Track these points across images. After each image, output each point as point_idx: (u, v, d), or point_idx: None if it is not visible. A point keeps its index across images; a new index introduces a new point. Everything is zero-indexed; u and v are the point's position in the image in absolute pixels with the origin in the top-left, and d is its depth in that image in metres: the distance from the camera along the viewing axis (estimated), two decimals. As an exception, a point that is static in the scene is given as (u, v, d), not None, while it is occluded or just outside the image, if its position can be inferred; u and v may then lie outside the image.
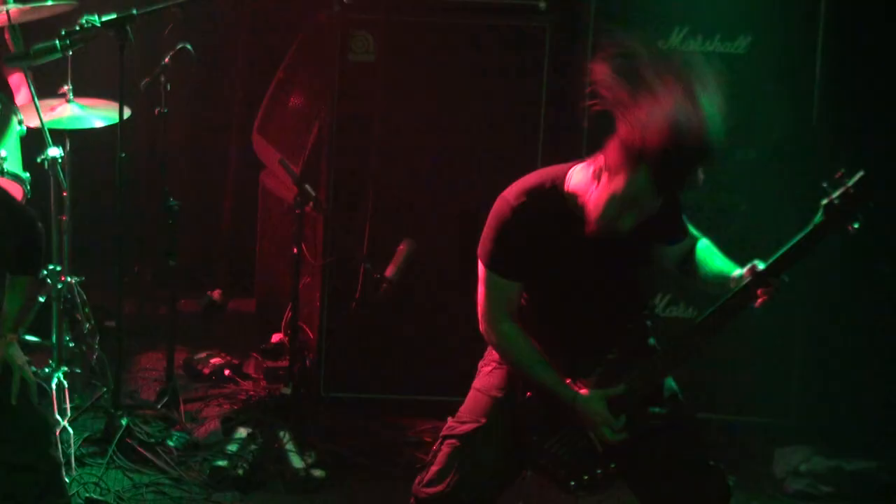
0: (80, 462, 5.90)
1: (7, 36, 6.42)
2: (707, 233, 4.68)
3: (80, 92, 6.31)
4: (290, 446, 6.10)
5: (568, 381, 4.46)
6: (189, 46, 6.15)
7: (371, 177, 6.35)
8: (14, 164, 6.07)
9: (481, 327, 4.57)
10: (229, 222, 7.75)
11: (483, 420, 4.55)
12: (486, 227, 4.47)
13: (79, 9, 6.16)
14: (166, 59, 6.15)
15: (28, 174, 6.14)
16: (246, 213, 7.62)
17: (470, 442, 4.53)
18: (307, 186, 6.09)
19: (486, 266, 4.47)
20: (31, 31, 6.43)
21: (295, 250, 6.22)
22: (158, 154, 6.49)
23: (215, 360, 6.93)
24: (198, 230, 7.27)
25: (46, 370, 6.09)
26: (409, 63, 6.38)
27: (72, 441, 5.84)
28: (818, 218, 4.29)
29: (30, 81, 6.10)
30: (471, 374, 4.76)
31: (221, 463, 5.97)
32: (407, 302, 6.36)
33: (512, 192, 4.43)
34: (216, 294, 7.60)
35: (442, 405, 4.98)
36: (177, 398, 6.47)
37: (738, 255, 4.64)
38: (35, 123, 6.11)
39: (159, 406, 6.42)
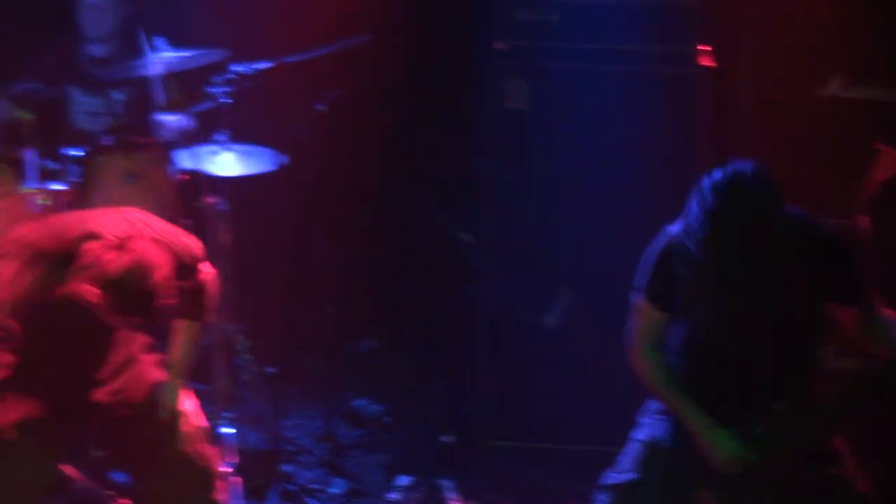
0: (243, 508, 5.92)
1: (161, 81, 6.49)
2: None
3: (235, 138, 6.34)
4: (452, 496, 6.03)
5: None
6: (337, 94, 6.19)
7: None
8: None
9: (629, 355, 4.58)
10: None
11: (640, 471, 4.48)
12: (644, 255, 4.49)
13: (232, 56, 6.20)
14: (319, 106, 6.15)
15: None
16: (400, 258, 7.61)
17: (626, 493, 4.49)
18: (462, 233, 6.06)
19: (638, 293, 4.51)
20: (187, 78, 6.49)
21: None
22: (322, 198, 6.51)
23: (375, 406, 6.89)
24: (350, 276, 7.25)
25: (211, 417, 6.11)
26: (562, 110, 6.31)
27: (235, 487, 5.84)
28: None
29: (186, 128, 6.16)
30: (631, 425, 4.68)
31: (383, 511, 5.94)
32: (566, 349, 6.26)
33: (673, 224, 4.42)
34: (374, 339, 7.56)
35: (603, 455, 4.87)
36: (338, 445, 6.44)
37: None
38: (193, 169, 6.17)
39: (320, 452, 6.39)
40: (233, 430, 6.08)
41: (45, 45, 6.87)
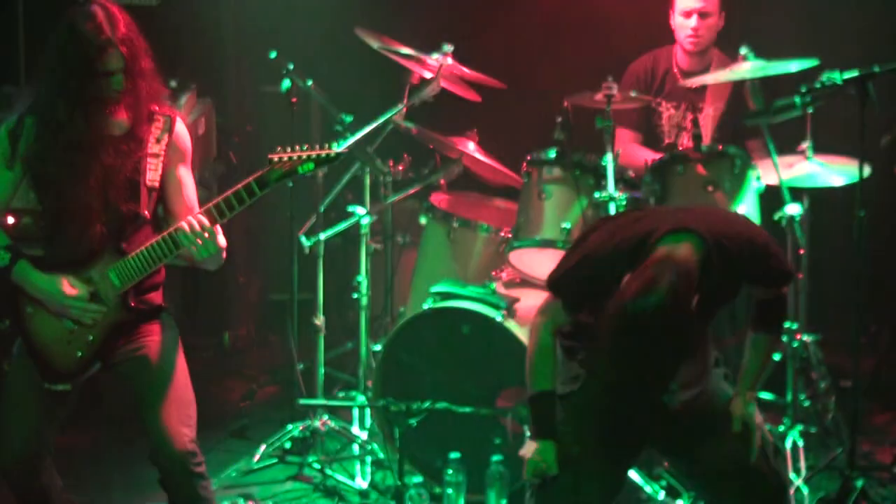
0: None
1: (746, 92, 6.47)
2: None
3: (819, 149, 6.26)
4: None
5: None
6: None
7: None
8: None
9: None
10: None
11: None
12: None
13: (821, 65, 6.09)
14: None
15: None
16: None
17: None
18: None
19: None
20: (771, 87, 6.45)
21: None
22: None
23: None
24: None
25: (781, 428, 6.08)
26: None
27: (805, 501, 5.80)
28: None
29: (769, 138, 6.12)
30: None
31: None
32: None
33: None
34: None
35: None
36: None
37: None
38: (773, 180, 6.13)
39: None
40: (802, 444, 6.05)
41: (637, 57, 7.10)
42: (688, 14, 6.84)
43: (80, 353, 4.73)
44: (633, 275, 4.22)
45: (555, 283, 4.61)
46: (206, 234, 4.63)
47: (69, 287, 4.69)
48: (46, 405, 4.80)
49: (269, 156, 4.69)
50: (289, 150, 4.70)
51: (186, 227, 4.63)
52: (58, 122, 4.65)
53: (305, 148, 4.71)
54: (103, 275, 4.70)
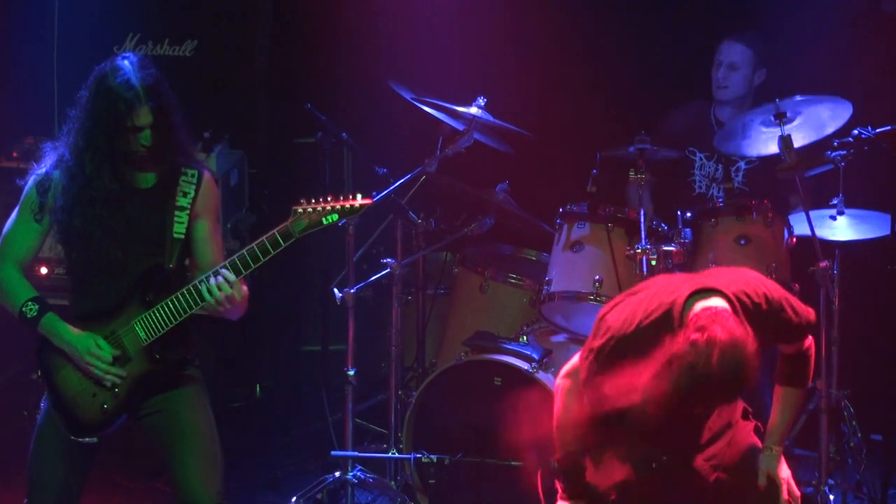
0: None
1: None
2: None
3: (851, 202, 6.26)
4: None
5: None
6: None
7: None
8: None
9: None
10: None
11: None
12: None
13: (854, 119, 6.10)
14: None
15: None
16: None
17: None
18: None
19: None
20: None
21: None
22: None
23: None
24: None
25: (812, 483, 6.03)
26: None
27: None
28: None
29: (799, 193, 6.12)
30: None
31: None
32: None
33: None
34: None
35: None
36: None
37: None
38: (805, 234, 6.12)
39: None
40: (833, 498, 6.01)
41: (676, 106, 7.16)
42: (717, 66, 6.91)
43: (105, 406, 4.76)
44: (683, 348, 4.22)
45: (584, 358, 4.62)
46: (231, 286, 4.67)
47: (95, 347, 4.72)
48: (74, 458, 4.82)
49: (294, 207, 4.73)
50: (313, 201, 4.73)
51: (211, 280, 4.67)
52: (85, 176, 4.71)
53: (329, 199, 4.74)
54: (129, 327, 4.74)
